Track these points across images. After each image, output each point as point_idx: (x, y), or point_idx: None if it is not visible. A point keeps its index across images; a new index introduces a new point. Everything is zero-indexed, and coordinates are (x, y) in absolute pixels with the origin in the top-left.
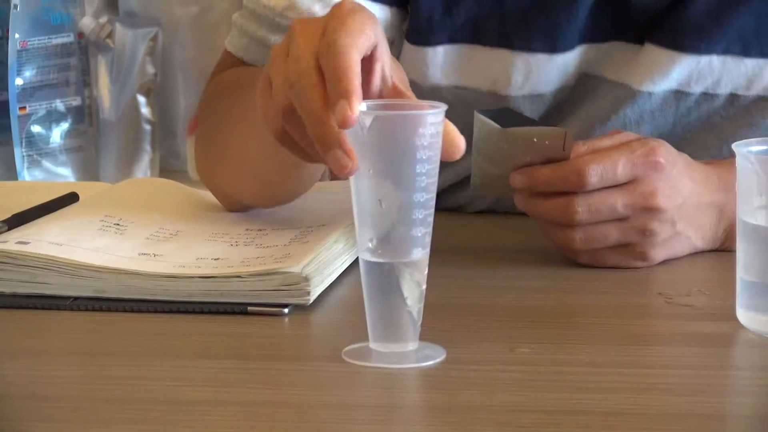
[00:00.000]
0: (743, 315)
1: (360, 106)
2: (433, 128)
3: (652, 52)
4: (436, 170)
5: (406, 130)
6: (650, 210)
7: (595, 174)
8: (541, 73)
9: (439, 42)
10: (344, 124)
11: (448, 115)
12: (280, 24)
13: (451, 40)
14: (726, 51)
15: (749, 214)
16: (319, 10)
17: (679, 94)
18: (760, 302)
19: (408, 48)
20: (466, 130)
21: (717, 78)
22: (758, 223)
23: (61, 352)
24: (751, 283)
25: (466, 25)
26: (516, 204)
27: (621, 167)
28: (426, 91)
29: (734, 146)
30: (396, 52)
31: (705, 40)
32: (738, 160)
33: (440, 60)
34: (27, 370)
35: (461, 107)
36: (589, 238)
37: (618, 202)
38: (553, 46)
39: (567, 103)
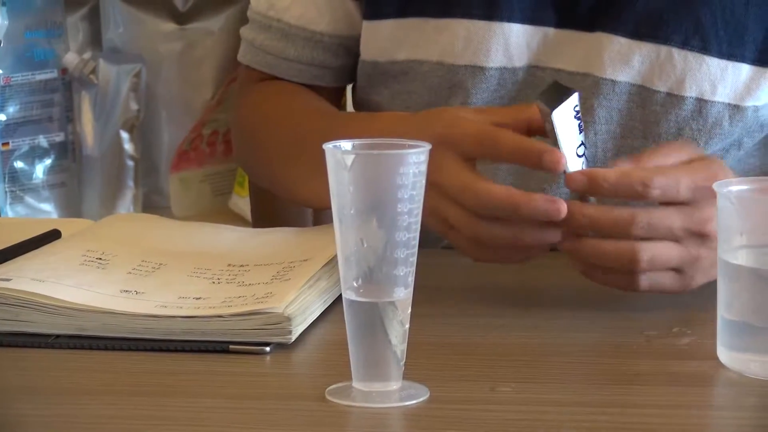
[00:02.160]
0: (724, 354)
1: (343, 145)
2: (416, 167)
3: (607, 39)
4: (419, 209)
5: (388, 169)
6: (702, 236)
7: (658, 186)
8: (481, 40)
9: (388, 15)
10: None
11: (415, 93)
12: (271, 26)
13: (399, 13)
14: (685, 44)
15: (730, 253)
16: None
17: (643, 90)
18: (741, 341)
19: (365, 26)
20: (433, 105)
21: (680, 76)
22: (739, 263)
23: (43, 390)
24: (732, 322)
25: None
26: (560, 246)
27: (683, 187)
28: (386, 67)
29: (715, 186)
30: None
31: (662, 29)
32: (718, 199)
33: (392, 34)
34: (8, 409)
35: (419, 80)
36: (653, 260)
37: (675, 223)
38: (491, 13)
39: (529, 96)
